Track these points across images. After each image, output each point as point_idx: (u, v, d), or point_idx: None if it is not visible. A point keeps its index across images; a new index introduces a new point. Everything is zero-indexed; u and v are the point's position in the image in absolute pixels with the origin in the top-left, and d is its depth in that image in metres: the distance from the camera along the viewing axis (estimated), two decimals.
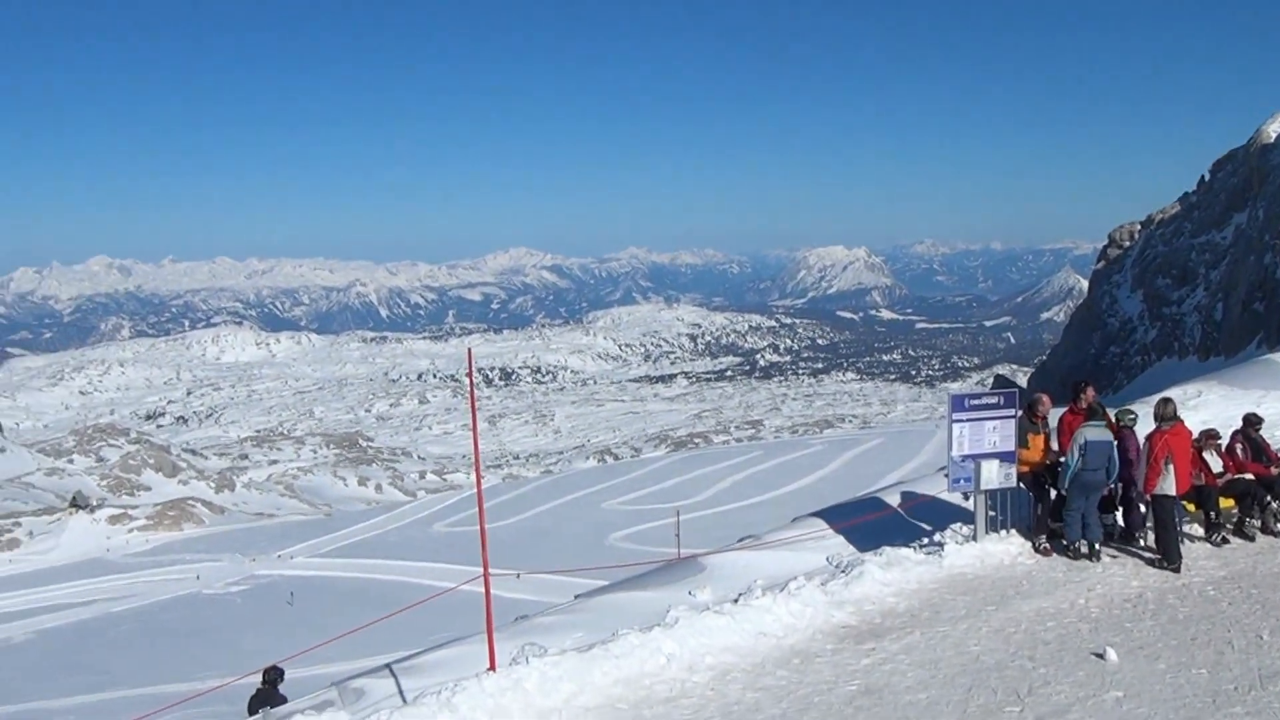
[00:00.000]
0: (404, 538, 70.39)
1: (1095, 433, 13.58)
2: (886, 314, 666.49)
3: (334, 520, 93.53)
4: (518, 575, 52.33)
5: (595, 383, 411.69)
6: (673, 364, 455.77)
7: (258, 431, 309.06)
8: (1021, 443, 14.19)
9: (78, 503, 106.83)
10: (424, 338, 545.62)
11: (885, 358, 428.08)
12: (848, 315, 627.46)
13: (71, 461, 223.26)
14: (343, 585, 55.22)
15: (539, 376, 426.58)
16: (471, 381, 9.68)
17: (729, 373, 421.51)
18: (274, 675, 15.99)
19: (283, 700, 13.96)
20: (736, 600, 11.58)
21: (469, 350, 11.48)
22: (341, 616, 45.98)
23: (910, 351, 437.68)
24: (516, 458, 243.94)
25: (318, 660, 22.69)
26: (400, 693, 9.72)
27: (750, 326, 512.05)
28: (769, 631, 10.89)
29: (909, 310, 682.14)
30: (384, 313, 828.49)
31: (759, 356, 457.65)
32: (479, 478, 10.36)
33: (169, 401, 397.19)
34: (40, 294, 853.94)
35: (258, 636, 43.57)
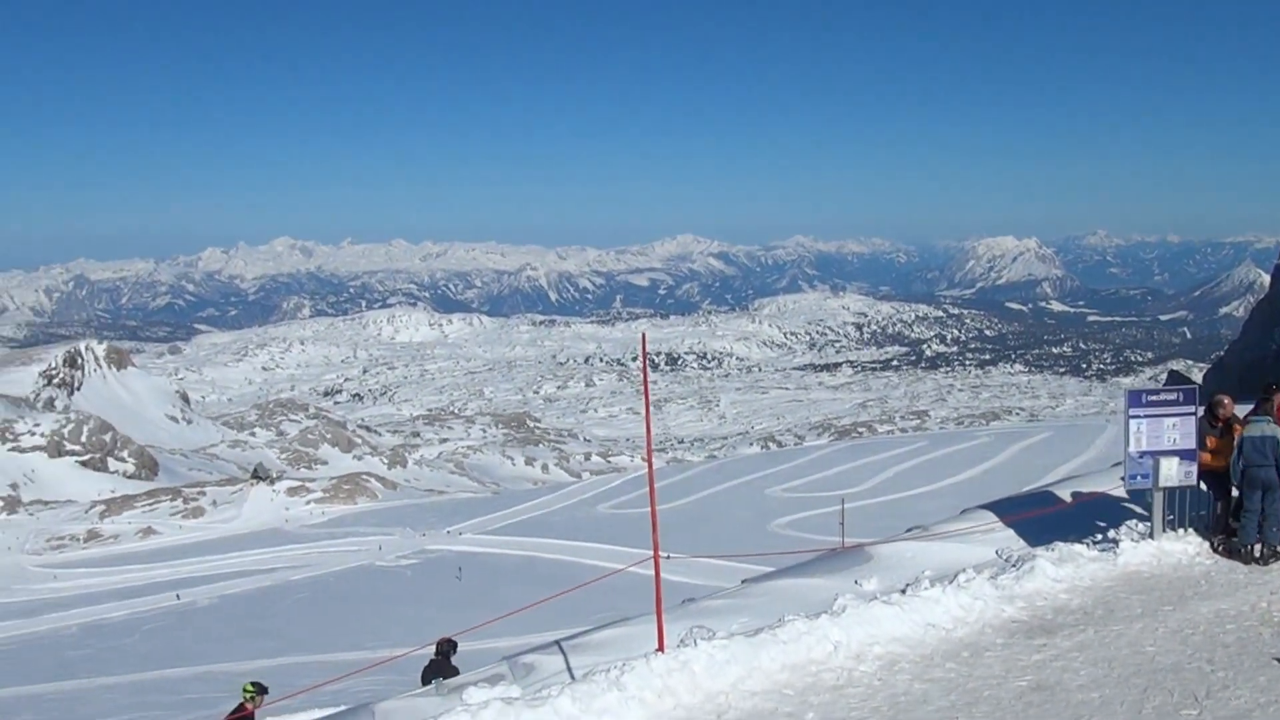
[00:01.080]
0: (568, 518, 71.31)
1: (1256, 429, 13.12)
2: (1057, 306, 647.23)
3: (501, 498, 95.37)
4: (667, 556, 52.68)
5: (760, 370, 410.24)
6: (838, 352, 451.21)
7: (429, 410, 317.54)
8: (1200, 444, 13.76)
9: (259, 474, 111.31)
10: (591, 322, 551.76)
11: (1055, 350, 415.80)
12: (1016, 307, 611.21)
13: (254, 435, 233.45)
14: (509, 562, 56.28)
15: (704, 362, 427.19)
16: (645, 366, 9.77)
17: (894, 362, 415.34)
18: (447, 647, 16.39)
19: (455, 672, 14.29)
20: (904, 591, 11.44)
21: (643, 335, 11.59)
22: (507, 592, 46.93)
23: (1081, 344, 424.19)
24: (681, 442, 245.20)
25: (485, 634, 23.21)
26: (569, 669, 9.90)
27: (917, 316, 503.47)
28: (937, 623, 10.73)
29: (1080, 302, 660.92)
30: (553, 296, 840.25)
31: (925, 346, 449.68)
32: (650, 461, 10.44)
33: (346, 379, 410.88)
34: (227, 273, 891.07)
35: (426, 609, 44.71)
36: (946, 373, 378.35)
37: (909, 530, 16.53)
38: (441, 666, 15.35)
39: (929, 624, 10.64)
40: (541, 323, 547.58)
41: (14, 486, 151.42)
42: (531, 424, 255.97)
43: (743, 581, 13.63)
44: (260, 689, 13.62)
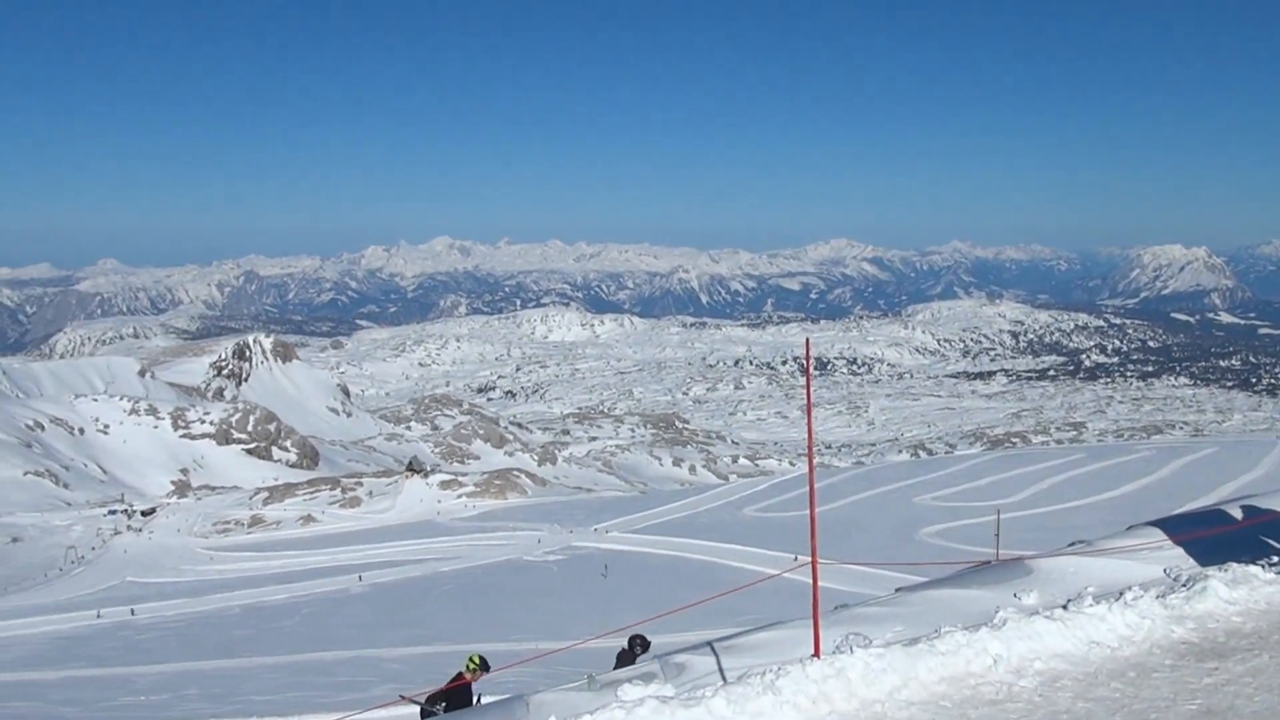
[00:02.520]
0: (715, 519, 71.28)
1: None
2: (1226, 317, 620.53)
3: (648, 498, 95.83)
4: (794, 559, 52.38)
5: (911, 376, 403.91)
6: (992, 361, 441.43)
7: (579, 409, 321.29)
8: None
9: (414, 467, 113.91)
10: (742, 325, 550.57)
11: (1223, 363, 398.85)
12: (1183, 317, 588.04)
13: (409, 428, 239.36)
14: (654, 561, 56.50)
15: (854, 368, 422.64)
16: (809, 371, 9.65)
17: (1051, 372, 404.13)
18: (639, 642, 16.33)
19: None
20: (1066, 606, 11.08)
21: (806, 340, 11.48)
22: (652, 591, 47.13)
23: (1251, 358, 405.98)
24: (829, 447, 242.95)
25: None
26: (721, 670, 9.84)
27: (1076, 325, 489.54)
28: (1102, 641, 10.36)
29: (1251, 314, 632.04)
30: (704, 299, 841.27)
31: (1084, 357, 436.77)
32: (811, 466, 10.30)
33: (499, 376, 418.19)
34: (388, 271, 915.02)
35: (571, 604, 45.14)
36: (1106, 384, 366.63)
37: (1070, 545, 16.04)
38: (629, 660, 15.41)
39: (1093, 641, 10.28)
40: (692, 325, 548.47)
41: (184, 471, 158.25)
42: (680, 425, 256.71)
43: (897, 590, 13.36)
44: (484, 664, 13.90)
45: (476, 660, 14.07)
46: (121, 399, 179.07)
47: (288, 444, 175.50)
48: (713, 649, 10.46)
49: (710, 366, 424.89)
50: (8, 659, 37.68)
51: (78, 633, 45.42)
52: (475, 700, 13.51)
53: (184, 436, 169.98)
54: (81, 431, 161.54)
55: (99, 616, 50.72)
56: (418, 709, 14.76)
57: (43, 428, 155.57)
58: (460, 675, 13.92)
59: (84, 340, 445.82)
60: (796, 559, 53.41)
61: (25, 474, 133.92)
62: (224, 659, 36.00)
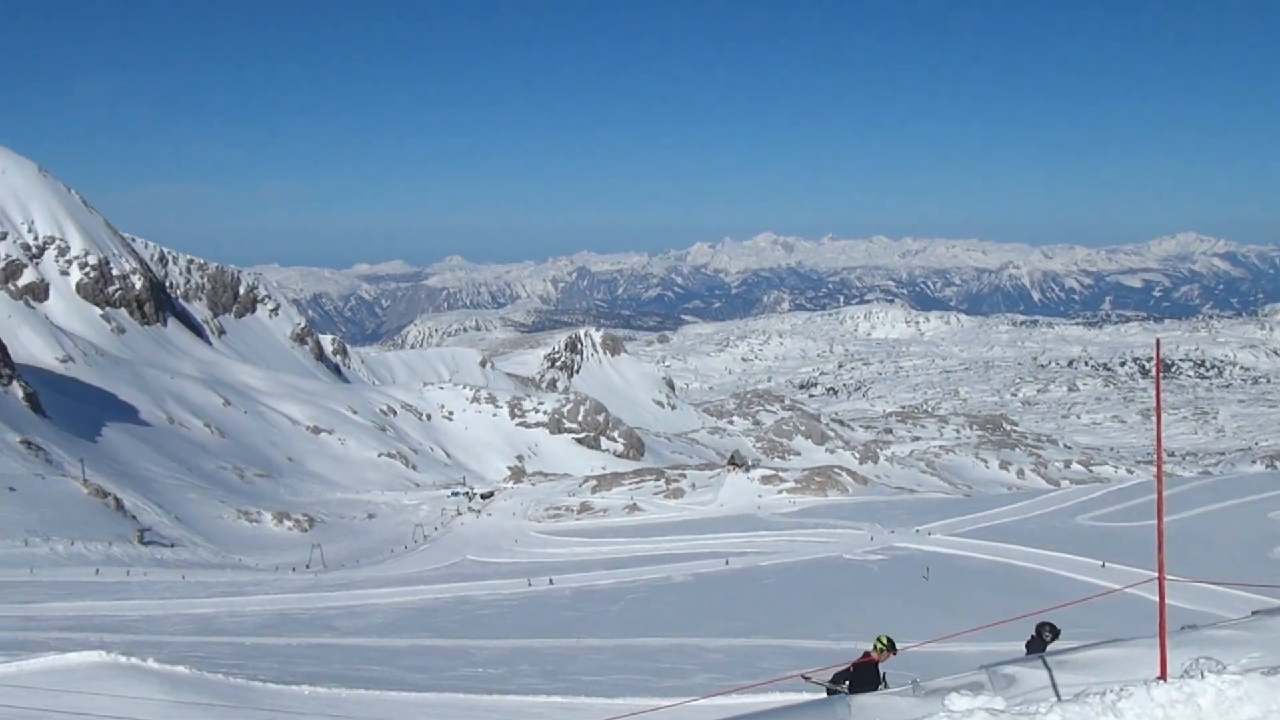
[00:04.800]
0: (1044, 526, 68.44)
1: None
2: None
3: (973, 501, 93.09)
4: (1102, 565, 49.45)
5: (1269, 381, 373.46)
6: None
7: (903, 407, 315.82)
8: None
9: (735, 461, 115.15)
10: (1077, 324, 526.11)
11: None
12: None
13: (732, 423, 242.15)
14: (978, 566, 54.81)
15: (1202, 370, 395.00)
16: (1159, 374, 9.12)
17: None
18: (1049, 629, 15.99)
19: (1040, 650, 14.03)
20: None
21: (1156, 341, 10.87)
22: (974, 597, 45.73)
23: None
24: (1171, 455, 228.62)
25: (952, 639, 22.76)
26: (1055, 686, 9.47)
27: None
28: None
29: None
30: (1036, 296, 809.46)
31: None
32: (1160, 475, 9.73)
33: (821, 373, 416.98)
34: (713, 267, 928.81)
35: (891, 606, 44.40)
36: None
37: None
38: (1036, 647, 15.13)
39: None
40: (1023, 323, 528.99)
41: (520, 458, 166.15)
42: (1008, 427, 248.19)
43: (1254, 613, 12.44)
44: (891, 645, 14.03)
45: (884, 641, 14.06)
46: (464, 388, 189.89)
47: (615, 434, 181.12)
48: (1045, 663, 10.09)
49: (1041, 367, 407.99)
50: (365, 625, 40.67)
51: (424, 605, 48.44)
52: (881, 680, 13.50)
53: (520, 425, 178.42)
54: (429, 417, 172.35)
55: (529, 585, 54.02)
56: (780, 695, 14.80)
57: (395, 413, 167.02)
58: (867, 654, 13.95)
59: (432, 332, 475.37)
60: (1104, 565, 50.67)
61: (380, 455, 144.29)
62: (554, 638, 37.48)
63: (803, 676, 14.99)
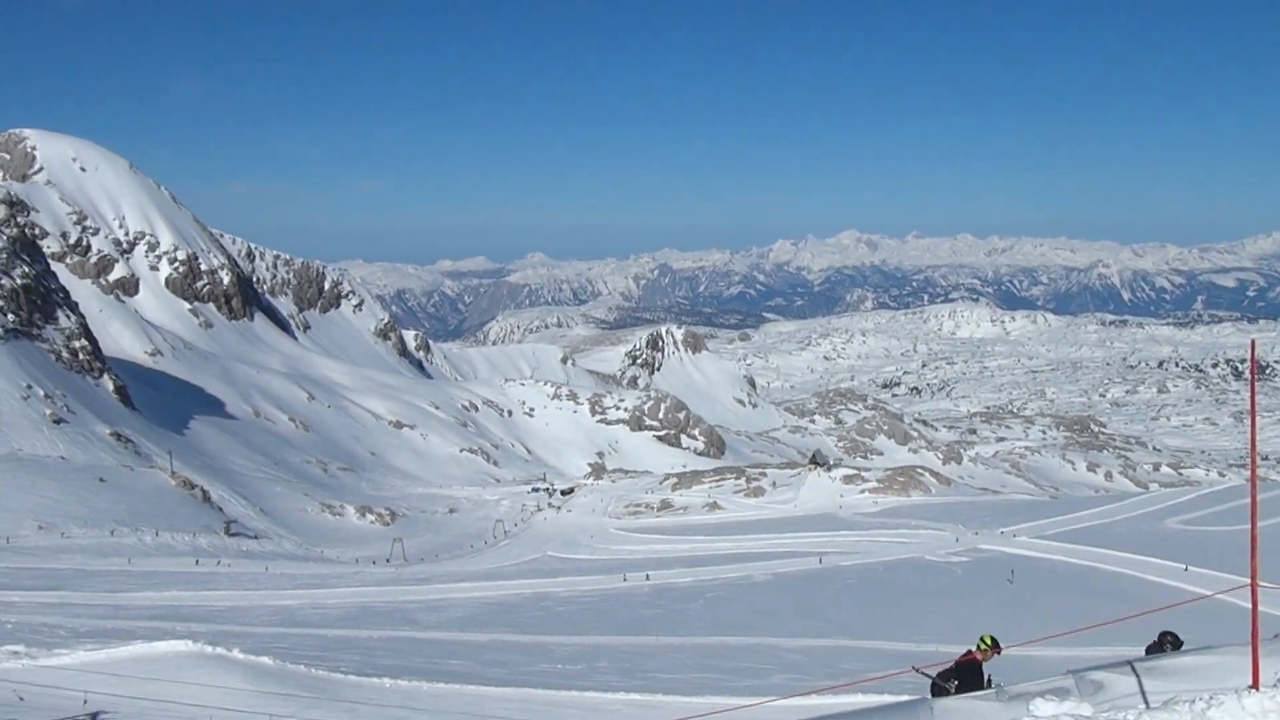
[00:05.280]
0: (1132, 530, 67.11)
1: None
2: None
3: (1059, 503, 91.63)
4: (1185, 569, 47.92)
5: None
6: None
7: (987, 408, 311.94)
8: None
9: (817, 460, 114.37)
10: (1168, 323, 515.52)
11: None
12: None
13: (813, 421, 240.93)
14: (1064, 570, 53.89)
15: None
16: (1254, 375, 8.86)
17: None
18: (1170, 639, 15.68)
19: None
20: None
21: (1251, 342, 10.53)
22: (1059, 601, 44.98)
23: None
24: (1265, 458, 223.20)
25: (1036, 643, 22.34)
26: (1143, 693, 9.22)
27: None
28: None
29: None
30: (1125, 295, 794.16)
31: None
32: (1254, 478, 9.44)
33: (904, 372, 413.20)
34: (795, 264, 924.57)
35: (973, 608, 43.80)
36: None
37: None
38: (1156, 651, 14.82)
39: None
40: (1111, 323, 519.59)
41: (600, 455, 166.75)
42: (1095, 428, 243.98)
43: None
44: (995, 644, 13.87)
45: (989, 640, 13.90)
46: (545, 384, 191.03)
47: (696, 432, 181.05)
48: (1133, 669, 9.83)
49: (1131, 367, 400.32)
50: (446, 619, 41.01)
51: (504, 600, 48.75)
52: (986, 680, 13.33)
53: (600, 421, 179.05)
54: (510, 413, 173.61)
55: (624, 580, 54.25)
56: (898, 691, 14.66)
57: (477, 409, 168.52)
58: (969, 653, 13.78)
59: (513, 328, 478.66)
60: (1186, 569, 49.47)
61: (461, 450, 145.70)
62: (633, 635, 37.50)
63: (914, 669, 14.81)
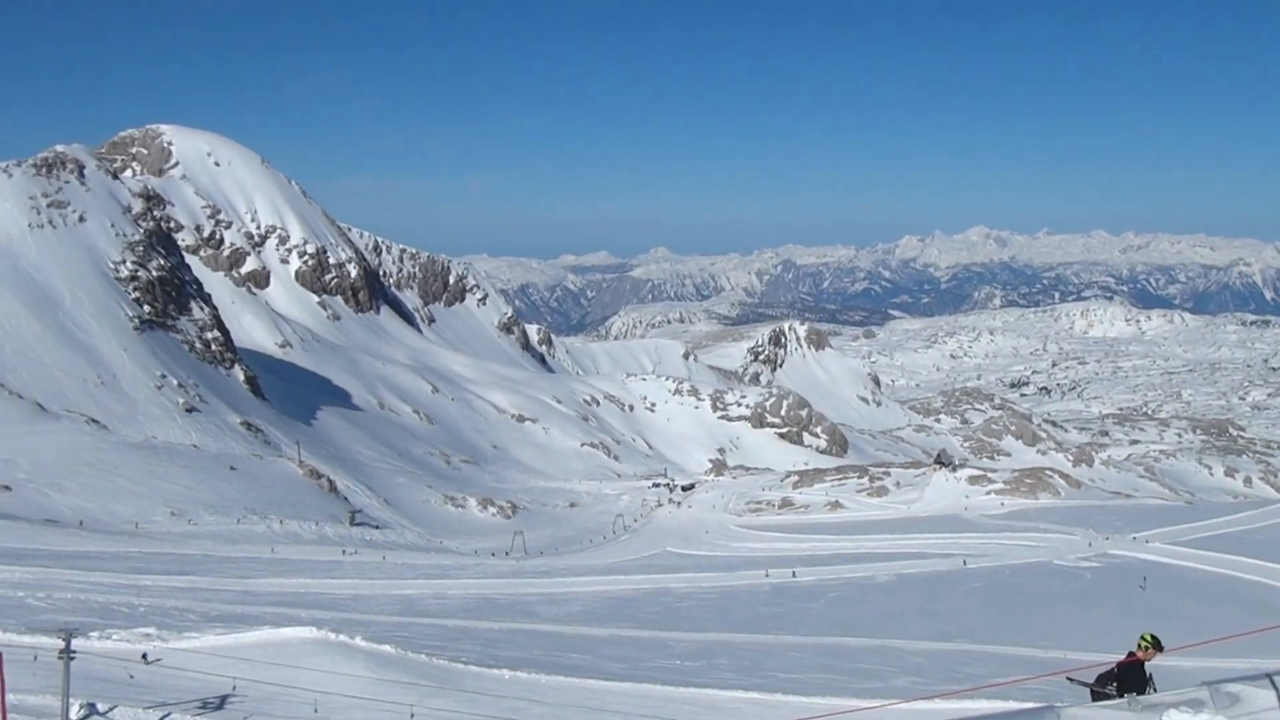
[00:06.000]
0: (1272, 538, 64.71)
1: None
2: None
3: (1196, 509, 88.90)
4: None
5: None
6: None
7: (1120, 409, 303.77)
8: None
9: (942, 460, 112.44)
10: None
11: None
12: None
13: (938, 421, 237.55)
14: (1199, 578, 52.26)
15: None
16: None
17: None
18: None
19: None
20: None
21: None
22: (1194, 609, 43.63)
23: None
24: None
25: (1169, 653, 21.62)
26: None
27: None
28: None
29: None
30: (1268, 295, 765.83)
31: None
32: None
33: (1033, 371, 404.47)
34: (921, 261, 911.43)
35: (1103, 615, 42.77)
36: None
37: None
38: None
39: None
40: (1253, 323, 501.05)
41: (721, 451, 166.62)
42: (1235, 432, 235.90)
43: None
44: (1156, 643, 13.50)
45: (1149, 638, 13.48)
46: (667, 380, 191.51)
47: (818, 430, 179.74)
48: (1272, 682, 9.40)
49: (1273, 370, 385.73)
50: (565, 613, 41.30)
51: (624, 595, 48.90)
52: (1149, 682, 12.94)
53: (721, 418, 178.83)
54: (631, 408, 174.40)
55: (767, 575, 54.33)
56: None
57: (598, 403, 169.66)
58: (1131, 654, 13.38)
59: (635, 323, 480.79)
60: None
61: (583, 445, 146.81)
62: (753, 633, 37.34)
63: (1067, 678, 14.45)
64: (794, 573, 54.83)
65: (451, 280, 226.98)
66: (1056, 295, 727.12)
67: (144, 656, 21.52)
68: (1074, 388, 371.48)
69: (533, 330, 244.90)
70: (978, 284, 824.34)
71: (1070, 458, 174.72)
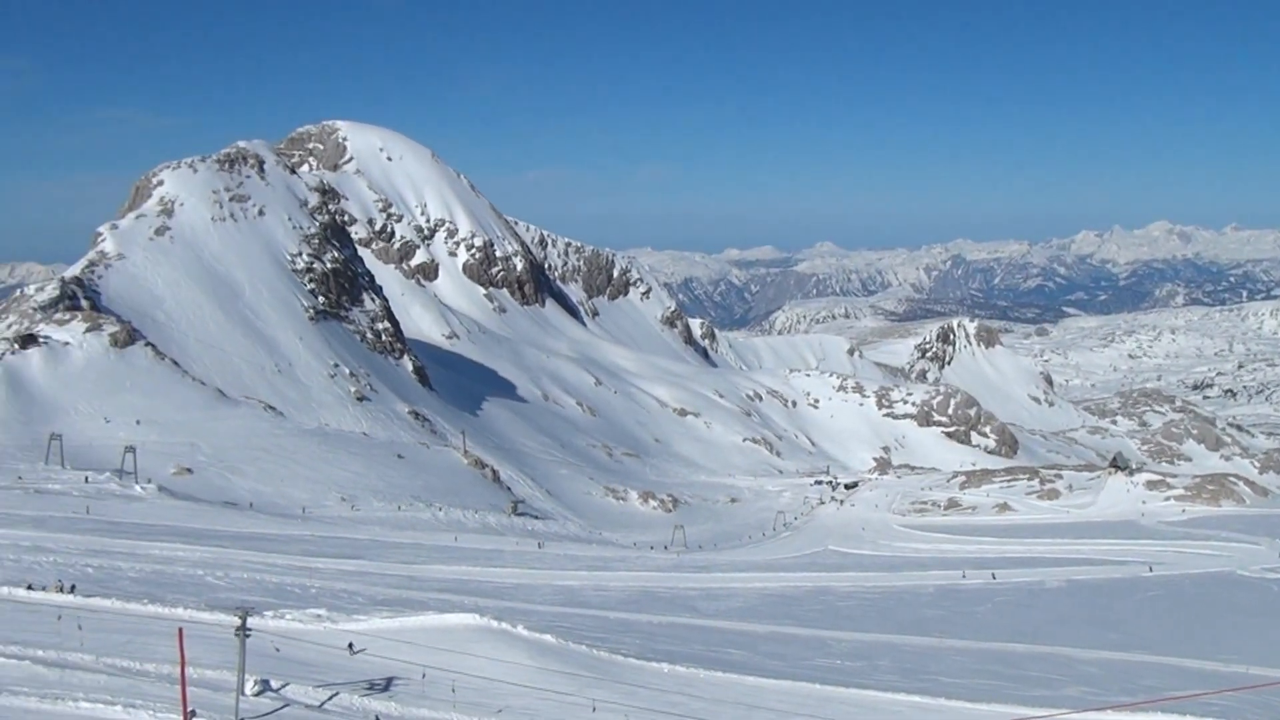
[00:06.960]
0: None
1: None
2: None
3: None
4: None
5: None
6: None
7: None
8: None
9: (1118, 463, 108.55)
10: None
11: None
12: None
13: (1114, 423, 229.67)
14: None
15: None
16: None
17: None
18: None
19: None
20: None
21: None
22: None
23: None
24: None
25: None
26: None
27: None
28: None
29: None
30: None
31: None
32: None
33: (1218, 373, 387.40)
34: (1099, 257, 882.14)
35: None
36: None
37: None
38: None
39: None
40: None
41: (885, 449, 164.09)
42: None
43: None
44: None
45: None
46: (831, 376, 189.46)
47: (987, 430, 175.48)
48: None
49: None
50: (726, 609, 41.14)
51: (784, 592, 48.51)
52: None
53: (886, 415, 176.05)
54: (794, 404, 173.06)
55: (964, 577, 53.74)
56: None
57: (760, 398, 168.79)
58: None
59: (799, 318, 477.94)
60: None
61: (744, 440, 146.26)
62: (915, 635, 36.62)
63: None
64: (993, 575, 53.71)
65: (615, 274, 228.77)
66: (1244, 293, 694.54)
67: (350, 646, 22.07)
68: (1261, 391, 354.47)
69: (696, 324, 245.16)
70: (1158, 281, 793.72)
71: (1257, 464, 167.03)
